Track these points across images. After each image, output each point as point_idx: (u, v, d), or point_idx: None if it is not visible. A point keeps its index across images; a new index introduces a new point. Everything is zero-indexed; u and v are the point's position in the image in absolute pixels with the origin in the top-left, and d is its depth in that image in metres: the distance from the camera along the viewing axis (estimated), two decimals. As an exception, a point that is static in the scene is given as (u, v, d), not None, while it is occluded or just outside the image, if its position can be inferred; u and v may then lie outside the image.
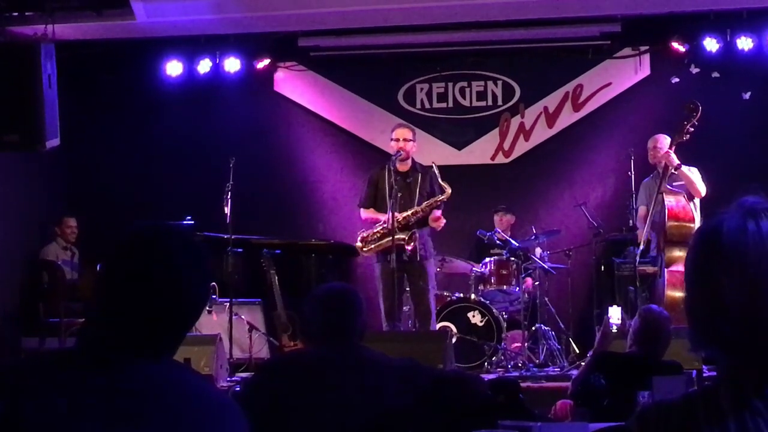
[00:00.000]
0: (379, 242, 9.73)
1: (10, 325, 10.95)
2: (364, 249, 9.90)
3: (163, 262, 2.27)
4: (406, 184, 9.74)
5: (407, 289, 10.05)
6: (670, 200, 9.75)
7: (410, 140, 9.83)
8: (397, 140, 9.79)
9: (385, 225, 9.61)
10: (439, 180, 9.70)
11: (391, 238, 9.52)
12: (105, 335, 2.23)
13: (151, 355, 2.22)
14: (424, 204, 9.68)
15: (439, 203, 9.73)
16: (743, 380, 1.81)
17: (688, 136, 9.69)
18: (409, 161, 9.84)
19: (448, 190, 9.69)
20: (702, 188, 9.78)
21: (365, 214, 9.98)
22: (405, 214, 9.59)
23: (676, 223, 9.67)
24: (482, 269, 10.79)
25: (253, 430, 2.35)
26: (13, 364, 2.32)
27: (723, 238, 1.83)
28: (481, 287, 10.74)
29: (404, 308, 10.18)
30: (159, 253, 2.28)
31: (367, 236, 9.82)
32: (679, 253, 9.51)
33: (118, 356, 2.20)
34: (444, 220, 9.85)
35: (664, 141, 9.99)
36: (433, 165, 9.79)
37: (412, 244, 9.54)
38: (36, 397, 2.12)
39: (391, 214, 9.43)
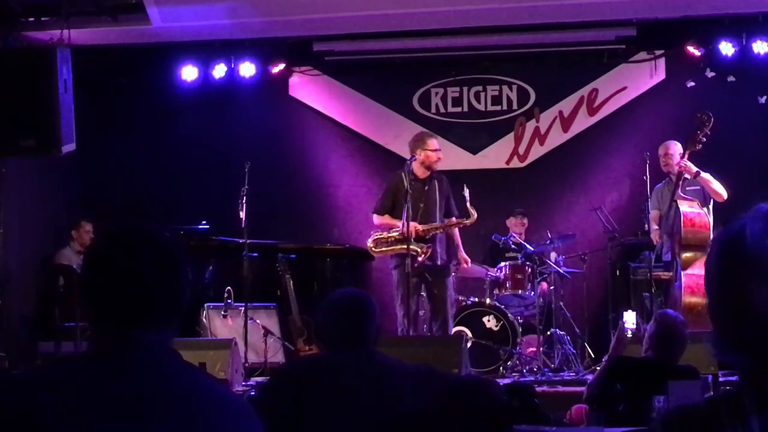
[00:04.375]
0: (392, 247, 9.77)
1: (27, 330, 10.98)
2: (375, 249, 9.93)
3: (126, 254, 2.33)
4: (425, 190, 9.81)
5: (422, 294, 10.07)
6: (684, 207, 9.73)
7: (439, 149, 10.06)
8: (437, 150, 9.95)
9: (402, 232, 9.65)
10: (467, 203, 9.81)
11: (402, 245, 9.63)
12: (105, 327, 2.28)
13: (150, 329, 2.28)
14: (447, 223, 9.86)
15: (461, 226, 9.94)
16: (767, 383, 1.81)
17: (700, 146, 9.68)
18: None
19: (474, 216, 9.83)
20: (723, 192, 9.76)
21: (379, 220, 10.00)
22: (425, 227, 9.65)
23: (692, 229, 9.65)
24: (497, 274, 10.78)
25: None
26: (27, 374, 2.35)
27: (747, 243, 1.82)
28: (496, 291, 10.74)
29: (420, 312, 10.18)
30: (123, 248, 2.35)
31: (381, 238, 9.84)
32: (696, 257, 9.49)
33: (128, 354, 2.23)
34: (470, 261, 10.27)
35: (675, 148, 9.98)
36: (465, 187, 9.90)
37: (422, 257, 9.57)
38: (52, 405, 2.13)
39: (406, 218, 9.46)
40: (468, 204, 9.78)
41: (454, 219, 9.95)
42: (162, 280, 2.33)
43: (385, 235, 9.83)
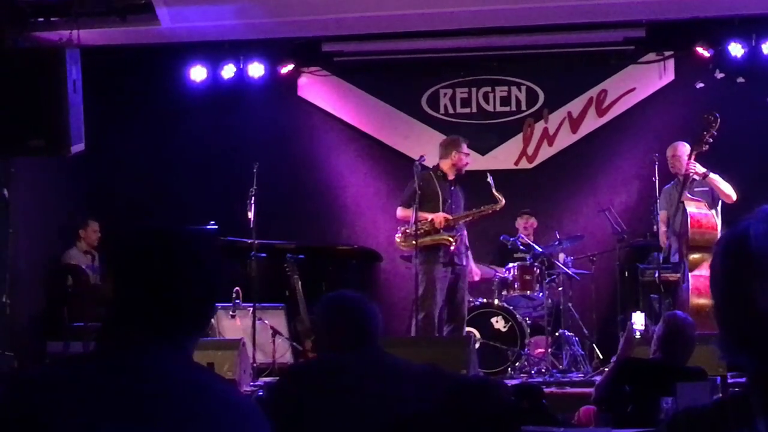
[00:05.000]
0: (422, 239, 9.84)
1: (36, 330, 10.99)
2: (403, 243, 10.05)
3: (174, 257, 2.32)
4: (452, 191, 10.12)
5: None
6: (691, 208, 9.73)
7: None
8: (468, 155, 10.32)
9: (432, 221, 9.90)
10: (493, 189, 10.06)
11: (432, 237, 9.89)
12: (123, 328, 2.26)
13: (170, 342, 2.25)
14: (476, 211, 10.08)
15: (491, 211, 10.18)
16: None
17: (707, 146, 9.68)
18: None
19: (503, 201, 10.10)
20: (732, 193, 9.76)
21: (403, 212, 10.08)
22: (455, 216, 9.96)
23: (699, 230, 9.64)
24: (506, 274, 10.78)
25: (275, 434, 2.36)
26: (33, 373, 2.35)
27: (752, 244, 1.83)
28: (504, 293, 10.74)
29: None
30: (171, 251, 2.33)
31: (410, 232, 9.90)
32: (703, 259, 9.48)
33: (139, 353, 2.23)
34: (479, 276, 10.62)
35: (683, 149, 9.99)
36: (489, 175, 10.17)
37: (453, 245, 9.74)
38: (58, 405, 2.13)
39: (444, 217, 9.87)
40: (494, 190, 9.92)
41: (482, 206, 10.15)
42: (188, 288, 2.32)
43: (412, 228, 9.88)
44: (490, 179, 9.97)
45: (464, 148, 10.24)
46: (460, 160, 10.14)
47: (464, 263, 10.05)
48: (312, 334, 10.44)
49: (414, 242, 9.84)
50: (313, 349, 10.27)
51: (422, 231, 9.85)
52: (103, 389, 2.16)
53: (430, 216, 9.86)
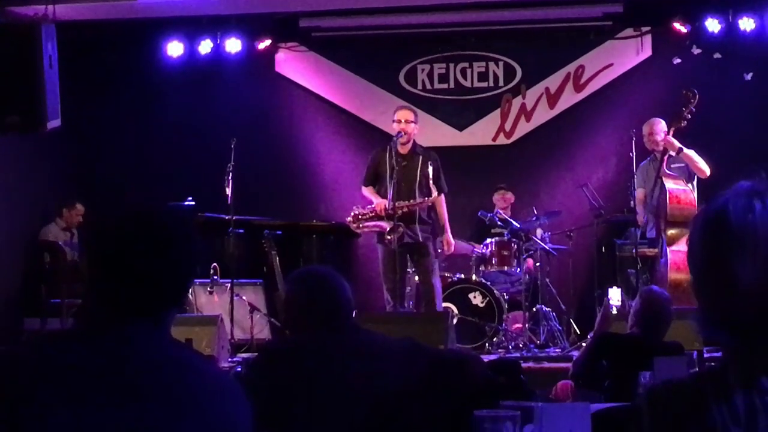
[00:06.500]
0: (366, 224, 9.80)
1: (12, 307, 10.97)
2: (353, 225, 9.95)
3: (156, 233, 2.34)
4: (406, 167, 9.74)
5: (411, 269, 10.11)
6: (669, 184, 9.76)
7: (412, 122, 9.83)
8: (399, 122, 9.80)
9: (374, 209, 9.71)
10: (433, 179, 9.74)
11: (377, 222, 9.68)
12: (103, 308, 2.27)
13: (148, 319, 2.27)
14: (413, 202, 9.66)
15: (428, 204, 9.78)
16: (752, 360, 1.82)
17: (685, 122, 9.72)
18: (410, 143, 9.84)
19: (435, 194, 9.73)
20: (706, 168, 9.79)
21: (365, 192, 10.02)
22: (396, 204, 9.52)
23: (677, 206, 9.68)
24: (483, 250, 10.79)
25: (255, 411, 2.36)
26: (14, 351, 2.35)
27: (731, 219, 1.83)
28: (482, 268, 10.75)
29: (407, 289, 10.21)
30: (149, 230, 2.35)
31: (358, 214, 9.86)
32: (681, 234, 9.52)
33: (118, 332, 2.23)
34: (453, 244, 10.12)
35: (660, 125, 10.01)
36: (437, 159, 9.87)
37: (392, 236, 9.52)
38: (39, 383, 2.13)
39: (390, 196, 9.44)
40: (430, 182, 9.72)
41: (420, 199, 9.73)
42: (167, 268, 2.33)
43: (361, 211, 9.85)
44: (429, 169, 9.78)
45: (396, 115, 9.90)
46: (394, 130, 9.86)
47: (421, 239, 9.83)
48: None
49: (361, 226, 9.87)
50: (282, 326, 10.27)
51: (367, 216, 9.80)
52: (82, 368, 2.16)
53: (375, 200, 9.75)
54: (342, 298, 4.14)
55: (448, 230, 10.04)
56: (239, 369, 7.85)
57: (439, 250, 10.14)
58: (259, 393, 3.69)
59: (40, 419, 2.10)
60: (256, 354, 4.58)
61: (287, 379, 3.95)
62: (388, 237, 9.51)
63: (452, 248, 10.13)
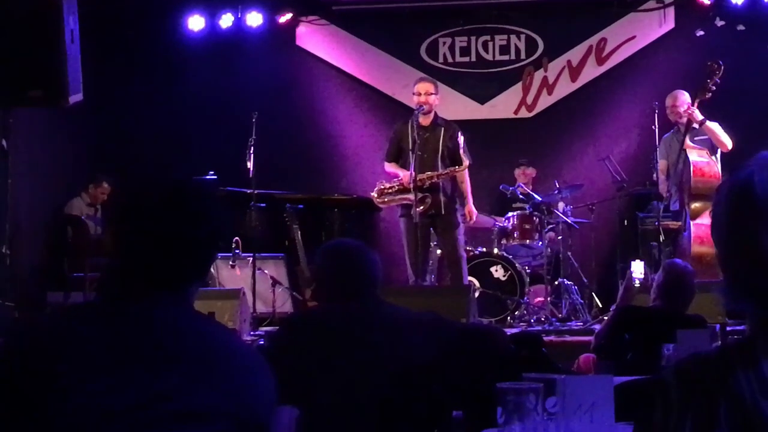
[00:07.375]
0: (393, 197, 9.78)
1: (36, 280, 11.02)
2: (378, 199, 9.94)
3: (189, 205, 2.36)
4: (428, 138, 9.72)
5: (434, 243, 10.10)
6: (693, 156, 9.70)
7: (432, 94, 9.79)
8: (419, 94, 9.77)
9: (401, 182, 9.67)
10: (461, 150, 9.66)
11: (404, 195, 9.64)
12: (128, 281, 2.28)
13: (173, 292, 2.28)
14: (442, 171, 9.65)
15: (452, 174, 9.73)
16: None
17: (710, 94, 9.65)
18: (431, 115, 9.81)
19: (467, 163, 9.66)
20: (728, 141, 9.72)
21: (388, 168, 10.00)
22: (422, 176, 9.53)
23: (702, 178, 9.62)
24: (505, 224, 10.78)
25: (278, 383, 2.37)
26: (38, 322, 2.36)
27: (757, 191, 1.82)
28: (504, 242, 10.74)
29: (429, 262, 10.20)
30: (174, 202, 2.36)
31: (385, 188, 9.85)
32: (705, 207, 9.47)
33: (142, 304, 2.24)
34: (476, 214, 10.05)
35: (683, 97, 9.95)
36: (459, 132, 9.76)
37: (422, 207, 9.49)
38: (63, 354, 2.14)
39: (412, 168, 9.42)
40: (461, 151, 9.68)
41: (448, 169, 9.70)
42: (197, 240, 2.34)
43: (387, 185, 9.84)
44: (460, 140, 9.72)
45: (416, 88, 9.86)
46: (414, 103, 9.81)
47: (443, 212, 9.79)
48: (311, 284, 10.47)
49: (386, 200, 9.86)
50: (312, 298, 10.28)
51: (394, 189, 9.79)
52: (106, 339, 2.17)
53: (401, 173, 9.73)
54: (369, 270, 4.16)
55: (471, 201, 10.01)
56: (261, 342, 7.88)
57: (461, 219, 10.12)
58: (282, 365, 3.71)
59: (64, 390, 2.11)
60: (279, 327, 4.60)
61: (310, 350, 3.97)
62: (418, 209, 9.46)
63: (474, 218, 10.09)
